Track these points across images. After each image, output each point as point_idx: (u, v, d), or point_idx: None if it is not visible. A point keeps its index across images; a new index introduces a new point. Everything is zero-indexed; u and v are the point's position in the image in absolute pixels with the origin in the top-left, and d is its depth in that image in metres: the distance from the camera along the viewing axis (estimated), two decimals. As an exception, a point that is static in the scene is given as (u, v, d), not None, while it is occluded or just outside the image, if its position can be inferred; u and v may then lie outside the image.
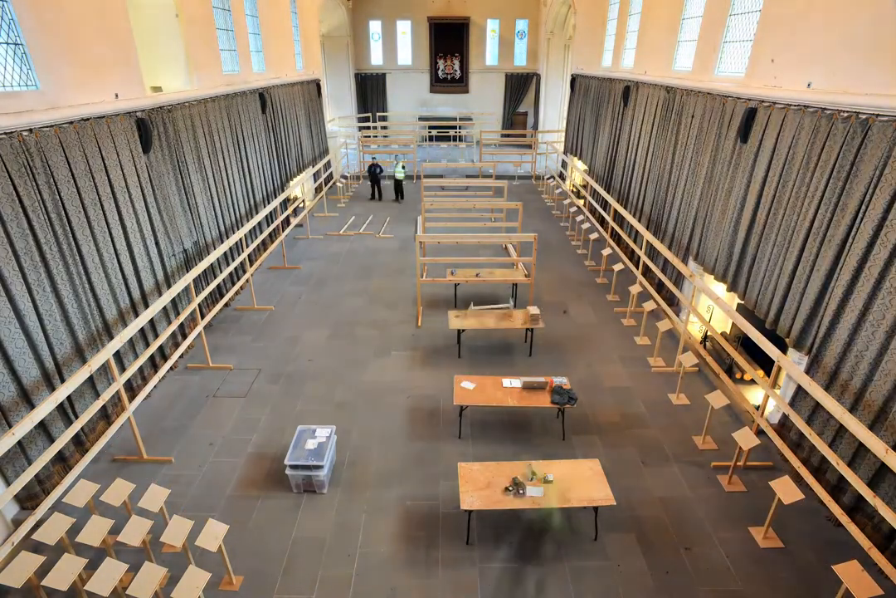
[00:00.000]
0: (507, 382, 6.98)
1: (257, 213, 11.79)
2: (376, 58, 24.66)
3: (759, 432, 6.43)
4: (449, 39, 24.01)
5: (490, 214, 13.88)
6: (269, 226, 12.27)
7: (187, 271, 8.63)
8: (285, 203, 13.81)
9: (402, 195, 17.27)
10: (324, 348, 8.89)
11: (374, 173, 17.07)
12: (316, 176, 16.99)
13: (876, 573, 4.68)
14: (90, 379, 6.19)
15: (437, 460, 6.50)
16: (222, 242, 9.87)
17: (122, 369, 6.72)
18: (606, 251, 10.94)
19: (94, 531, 4.58)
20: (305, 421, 7.09)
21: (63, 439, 5.46)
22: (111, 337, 6.67)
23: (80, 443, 6.19)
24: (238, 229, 10.68)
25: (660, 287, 10.08)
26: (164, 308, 7.79)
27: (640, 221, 11.54)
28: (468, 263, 10.45)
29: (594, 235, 12.80)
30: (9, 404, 5.26)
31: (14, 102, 5.51)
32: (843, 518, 5.06)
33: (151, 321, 7.54)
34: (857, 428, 4.90)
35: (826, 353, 5.90)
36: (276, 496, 5.98)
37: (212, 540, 4.57)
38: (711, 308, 9.01)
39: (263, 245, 12.19)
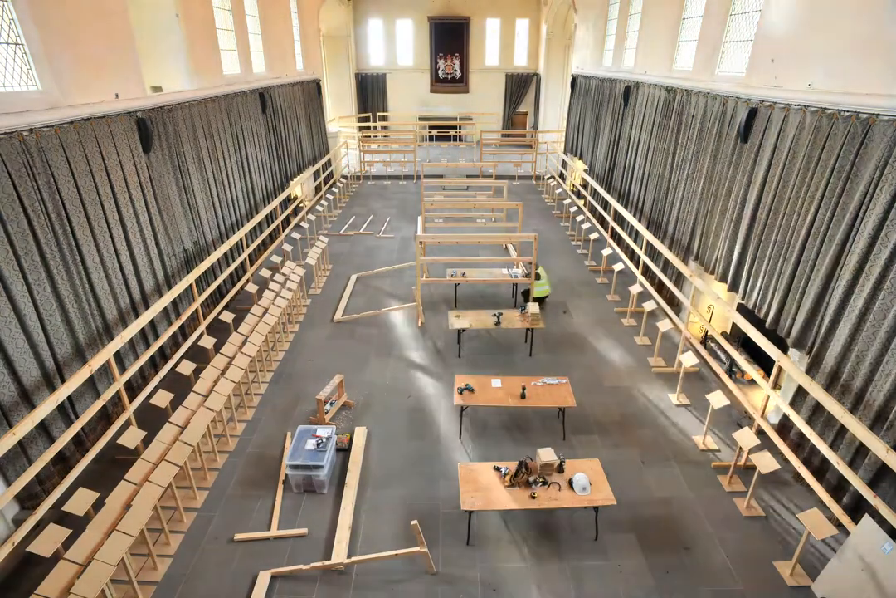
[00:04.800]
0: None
1: (257, 213, 11.79)
2: (376, 58, 24.65)
3: (760, 432, 6.43)
4: (449, 39, 23.99)
5: (490, 214, 13.88)
6: (269, 226, 12.28)
7: (188, 272, 8.63)
8: (286, 203, 13.82)
9: None
10: (324, 348, 8.89)
11: None
12: (316, 175, 16.99)
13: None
14: (90, 379, 6.18)
15: (437, 460, 6.50)
16: (223, 242, 9.87)
17: (123, 369, 6.72)
18: (606, 251, 10.94)
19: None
20: (305, 421, 7.10)
21: (63, 439, 5.47)
22: (111, 337, 6.67)
23: (81, 443, 6.19)
24: (238, 229, 10.69)
25: (660, 287, 10.08)
26: (165, 308, 7.79)
27: (640, 220, 11.53)
28: (468, 264, 10.45)
29: (594, 235, 12.79)
30: (9, 404, 5.26)
31: (14, 101, 5.51)
32: (844, 519, 5.06)
33: (152, 322, 7.54)
34: (857, 428, 4.90)
35: (827, 353, 5.90)
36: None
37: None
38: (711, 308, 9.01)
39: (263, 245, 12.19)
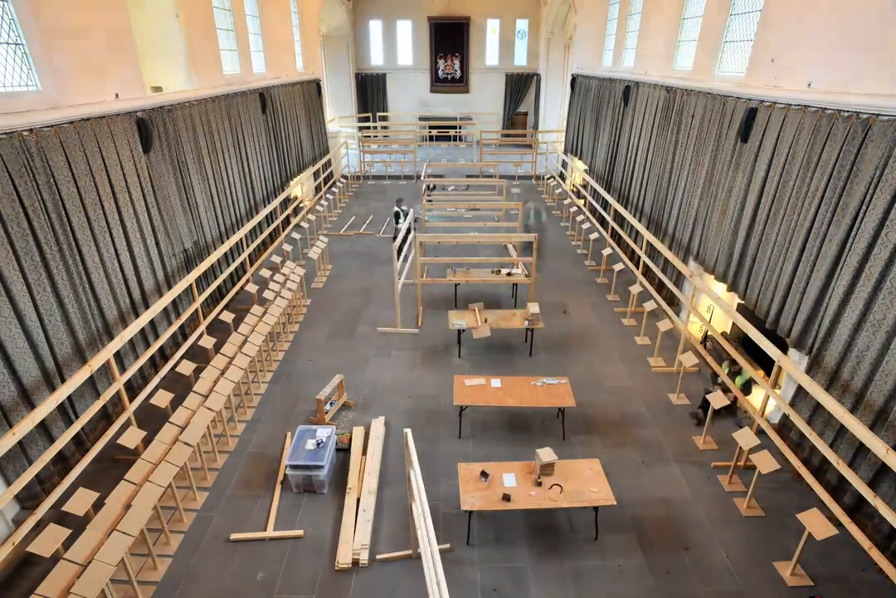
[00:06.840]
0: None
1: (257, 213, 11.79)
2: (376, 58, 24.65)
3: (760, 432, 6.43)
4: (449, 39, 23.98)
5: (492, 213, 13.88)
6: (269, 226, 12.28)
7: (188, 272, 8.63)
8: (285, 203, 13.81)
9: None
10: (324, 348, 8.89)
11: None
12: (316, 175, 16.99)
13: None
14: (90, 379, 6.18)
15: (437, 460, 6.50)
16: (223, 242, 9.87)
17: (123, 369, 6.72)
18: (606, 251, 10.94)
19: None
20: (305, 421, 7.09)
21: (63, 439, 5.47)
22: (111, 337, 6.66)
23: (81, 443, 6.19)
24: (238, 229, 10.69)
25: (660, 287, 10.07)
26: (165, 308, 7.79)
27: (640, 220, 11.53)
28: (468, 264, 10.44)
29: (594, 235, 12.79)
30: (9, 404, 5.26)
31: (14, 101, 5.51)
32: (844, 519, 5.06)
33: (152, 322, 7.54)
34: (857, 428, 4.90)
35: (826, 353, 5.90)
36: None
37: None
38: (712, 308, 9.01)
39: (263, 245, 12.19)
